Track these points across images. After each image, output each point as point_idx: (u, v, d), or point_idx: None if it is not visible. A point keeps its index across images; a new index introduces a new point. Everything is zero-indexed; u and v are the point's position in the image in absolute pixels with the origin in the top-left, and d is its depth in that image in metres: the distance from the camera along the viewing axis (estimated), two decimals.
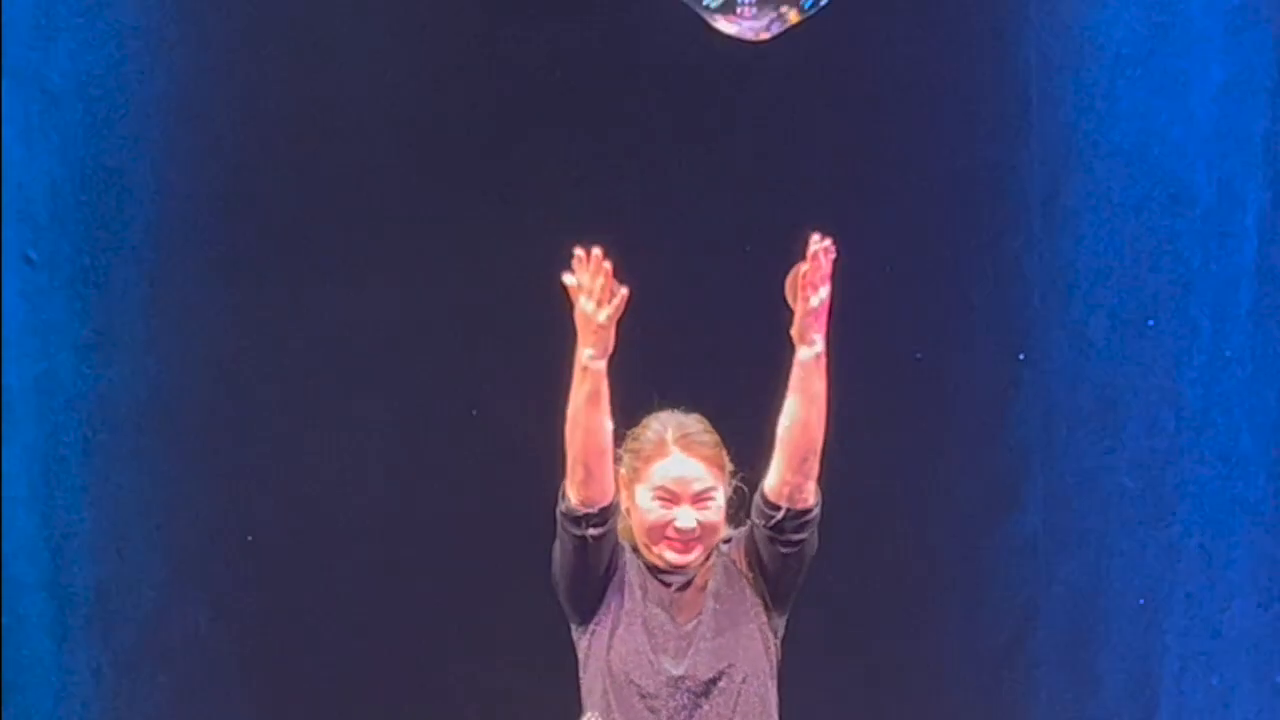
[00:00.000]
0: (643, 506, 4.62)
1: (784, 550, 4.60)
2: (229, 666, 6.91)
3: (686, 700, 4.56)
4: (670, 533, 4.59)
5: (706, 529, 4.60)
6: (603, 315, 4.43)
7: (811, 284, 4.50)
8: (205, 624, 6.91)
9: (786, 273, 7.06)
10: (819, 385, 4.54)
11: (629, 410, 4.80)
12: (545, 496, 4.77)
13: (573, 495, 4.54)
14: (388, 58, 6.99)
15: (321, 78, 6.98)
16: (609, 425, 4.52)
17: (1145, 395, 7.07)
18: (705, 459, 4.61)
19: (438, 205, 6.98)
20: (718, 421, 4.82)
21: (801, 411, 4.54)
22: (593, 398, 4.48)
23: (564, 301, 6.55)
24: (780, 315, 7.06)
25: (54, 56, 6.86)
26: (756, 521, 4.63)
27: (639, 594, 4.63)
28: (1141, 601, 7.02)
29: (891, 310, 7.02)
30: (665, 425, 4.68)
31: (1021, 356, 7.03)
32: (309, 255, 6.97)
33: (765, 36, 4.89)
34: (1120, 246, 7.05)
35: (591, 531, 4.54)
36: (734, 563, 4.67)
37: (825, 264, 4.50)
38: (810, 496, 4.59)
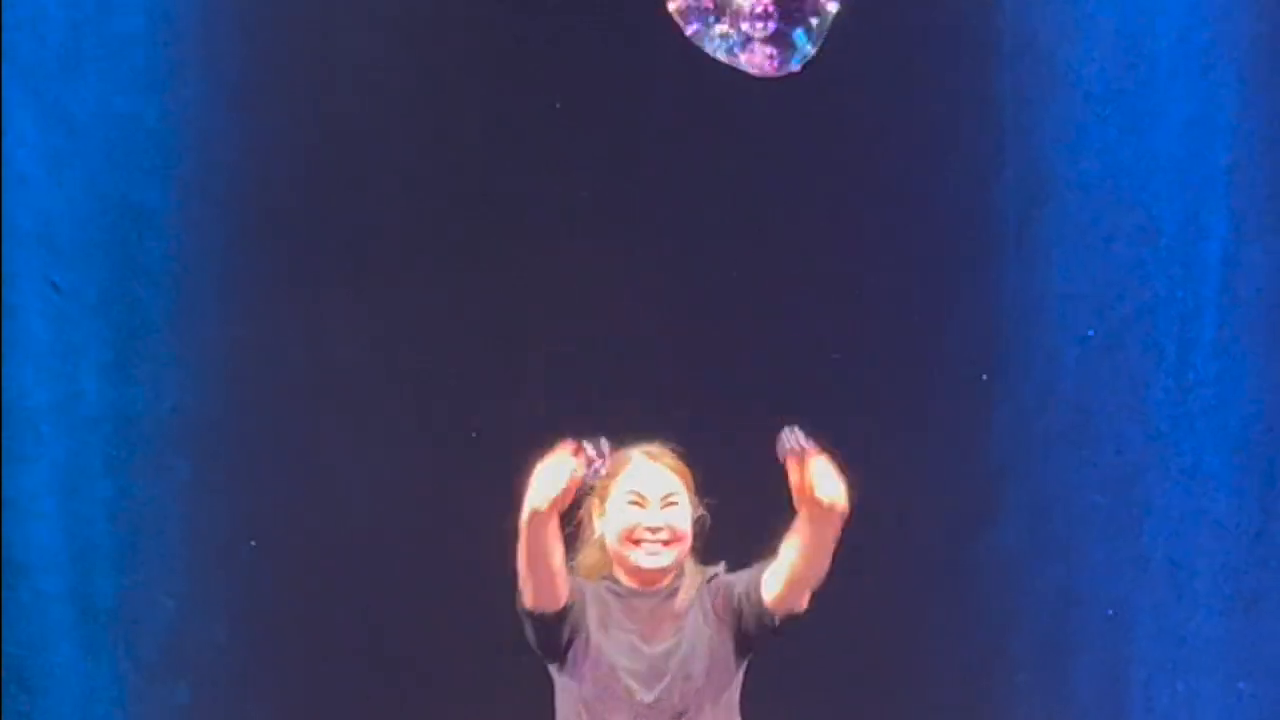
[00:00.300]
0: (614, 516, 4.83)
1: (769, 632, 4.82)
2: (247, 674, 6.94)
3: None
4: (640, 534, 4.79)
5: (674, 533, 4.81)
6: (542, 505, 4.56)
7: (813, 483, 4.61)
8: (224, 633, 6.95)
9: (770, 300, 7.19)
10: (835, 532, 4.71)
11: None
12: None
13: (526, 599, 4.73)
14: (399, 89, 7.06)
15: (334, 110, 7.05)
16: (559, 549, 4.68)
17: (1114, 416, 7.07)
18: (670, 468, 4.86)
19: (449, 236, 7.02)
20: (698, 447, 5.04)
21: (816, 548, 4.70)
22: (535, 543, 4.63)
23: (565, 326, 6.75)
24: (764, 342, 7.22)
25: (79, 92, 6.91)
26: (747, 608, 4.78)
27: (605, 634, 4.78)
28: (1111, 611, 7.03)
29: (874, 333, 7.09)
30: (633, 447, 4.90)
31: (985, 377, 7.07)
32: (322, 281, 7.01)
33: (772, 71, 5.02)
34: (1091, 274, 7.07)
35: (548, 626, 4.75)
36: (713, 609, 4.84)
37: (810, 453, 4.63)
38: (807, 601, 4.79)
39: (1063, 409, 7.11)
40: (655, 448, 4.91)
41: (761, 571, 4.81)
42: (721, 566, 4.95)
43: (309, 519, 6.98)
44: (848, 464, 6.81)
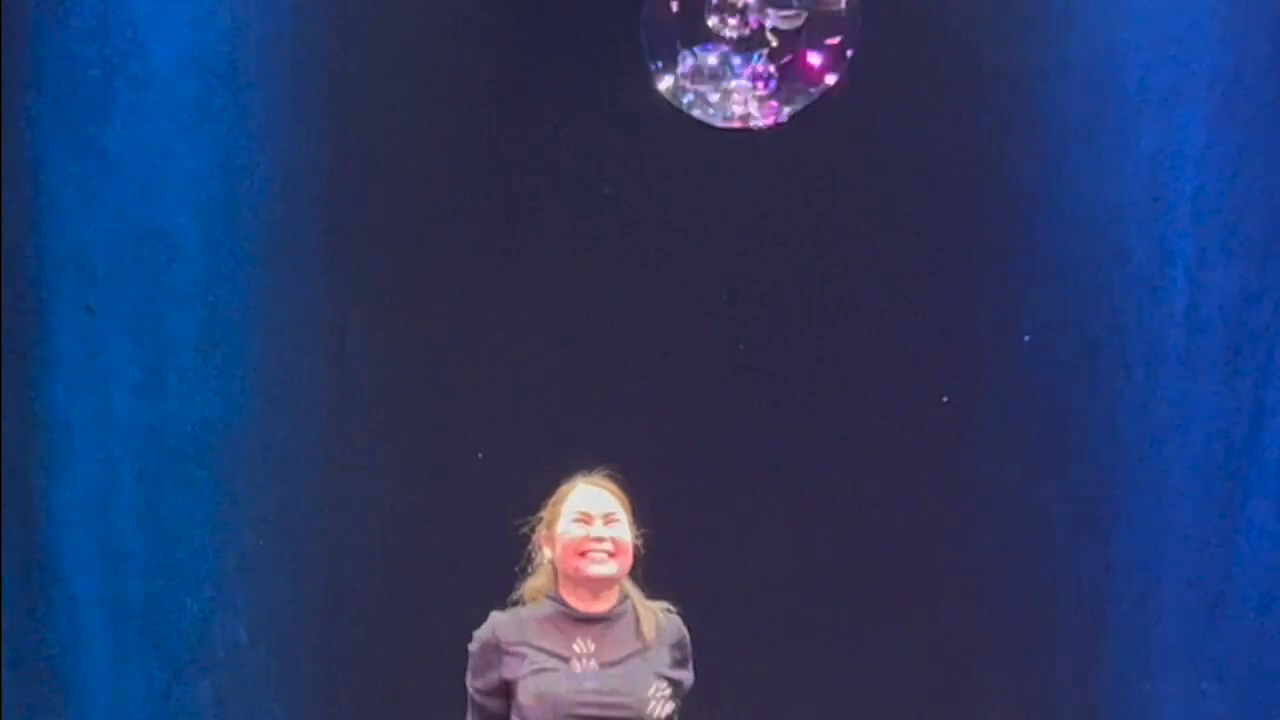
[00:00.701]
0: (563, 534, 5.19)
1: None
2: (265, 673, 7.11)
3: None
4: (587, 545, 5.15)
5: (618, 545, 5.17)
6: None
7: None
8: (245, 635, 7.11)
9: (763, 319, 7.21)
10: None
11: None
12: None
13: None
14: (413, 124, 7.22)
15: (350, 144, 7.23)
16: None
17: (1086, 432, 7.18)
18: (610, 491, 5.25)
19: (462, 264, 7.20)
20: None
21: None
22: None
23: (572, 352, 6.77)
24: (760, 356, 7.27)
25: (112, 128, 7.08)
26: None
27: (546, 662, 5.09)
28: (1083, 616, 7.14)
29: (860, 354, 7.25)
30: (579, 477, 5.30)
31: (945, 399, 7.18)
32: (339, 307, 7.19)
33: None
34: (1065, 298, 7.19)
35: None
36: (672, 658, 5.20)
37: None
38: None
39: (1039, 425, 7.24)
40: (597, 475, 5.29)
41: None
42: (663, 606, 5.28)
43: (324, 528, 7.16)
44: (839, 477, 7.14)
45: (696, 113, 5.29)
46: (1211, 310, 7.17)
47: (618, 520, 5.20)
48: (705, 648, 5.41)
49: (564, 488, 5.28)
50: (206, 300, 7.18)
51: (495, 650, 5.14)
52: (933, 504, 7.27)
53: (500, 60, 7.26)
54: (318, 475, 7.19)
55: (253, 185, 7.20)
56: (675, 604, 5.36)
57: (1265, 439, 7.10)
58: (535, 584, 5.26)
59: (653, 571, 5.38)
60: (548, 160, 7.24)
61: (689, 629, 5.27)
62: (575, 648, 5.11)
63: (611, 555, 5.16)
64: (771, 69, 5.28)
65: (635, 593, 5.26)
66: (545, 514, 5.27)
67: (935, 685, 7.22)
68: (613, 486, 5.26)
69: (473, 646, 5.20)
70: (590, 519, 5.18)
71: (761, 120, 5.28)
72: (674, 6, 5.23)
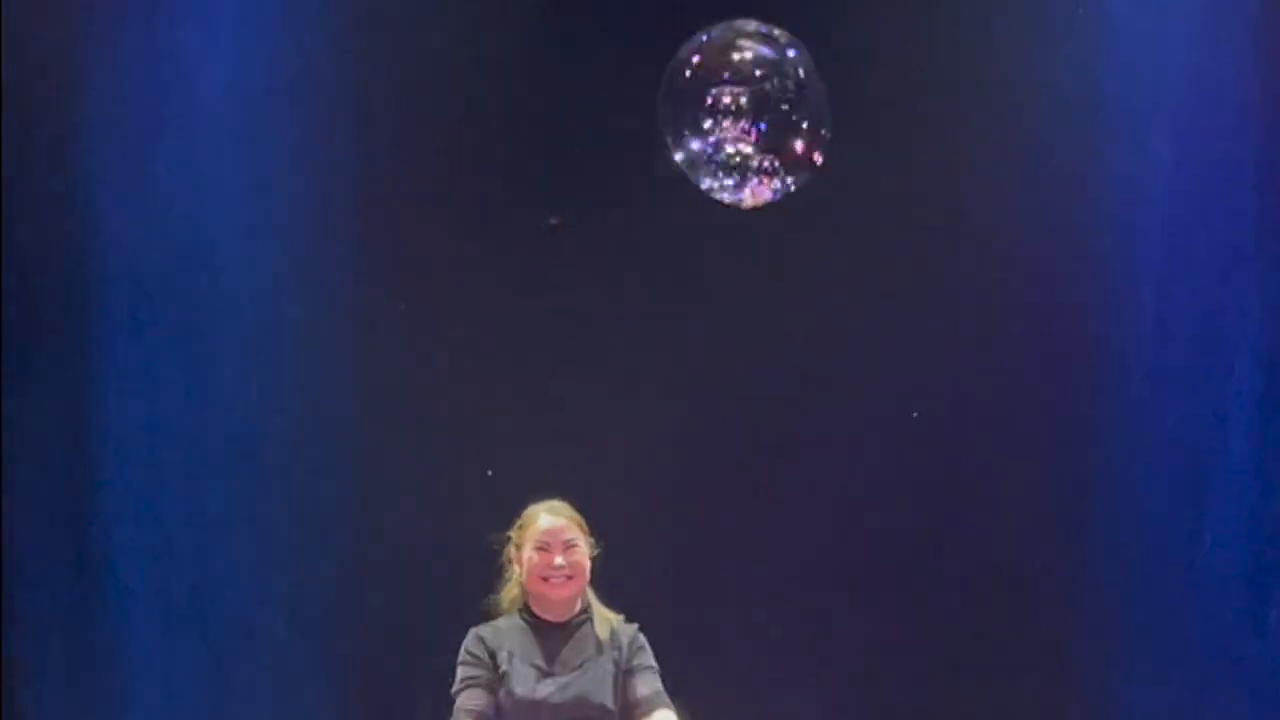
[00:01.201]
0: (528, 558, 5.82)
1: None
2: (303, 660, 7.32)
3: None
4: (548, 572, 5.80)
5: (575, 568, 5.82)
6: None
7: None
8: (283, 625, 7.33)
9: (758, 330, 7.32)
10: None
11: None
12: None
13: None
14: (440, 148, 7.39)
15: (381, 165, 7.41)
16: None
17: (1066, 435, 7.40)
18: (569, 519, 5.87)
19: (486, 280, 7.37)
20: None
21: None
22: None
23: (575, 373, 6.89)
24: (758, 367, 7.50)
25: (159, 152, 7.30)
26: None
27: (518, 667, 5.70)
28: (1060, 603, 7.36)
29: (839, 372, 7.44)
30: (540, 505, 5.90)
31: (915, 415, 7.37)
32: (369, 318, 7.38)
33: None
34: (1042, 313, 7.40)
35: None
36: (620, 664, 5.79)
37: None
38: None
39: (1019, 430, 7.45)
40: (557, 503, 5.91)
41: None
42: (622, 617, 5.88)
43: (358, 523, 7.36)
44: (837, 477, 7.33)
45: (716, 195, 5.68)
46: (1179, 322, 7.38)
47: (576, 546, 5.80)
48: (679, 659, 5.87)
49: (529, 512, 5.89)
50: (247, 312, 7.36)
51: (485, 649, 5.75)
52: (912, 509, 7.45)
53: (523, 84, 7.42)
54: (350, 474, 7.37)
55: (289, 204, 7.39)
56: (654, 615, 5.92)
57: (1230, 442, 7.34)
58: (511, 593, 5.89)
59: (638, 586, 5.91)
60: (570, 181, 7.40)
61: (663, 639, 5.86)
62: (543, 653, 5.73)
63: (570, 578, 5.78)
64: (776, 162, 5.65)
65: (594, 600, 5.90)
66: (514, 534, 5.88)
67: (911, 684, 7.42)
68: (570, 513, 5.87)
69: (464, 654, 5.80)
70: (551, 549, 5.78)
71: (770, 197, 5.71)
72: (688, 90, 5.57)
